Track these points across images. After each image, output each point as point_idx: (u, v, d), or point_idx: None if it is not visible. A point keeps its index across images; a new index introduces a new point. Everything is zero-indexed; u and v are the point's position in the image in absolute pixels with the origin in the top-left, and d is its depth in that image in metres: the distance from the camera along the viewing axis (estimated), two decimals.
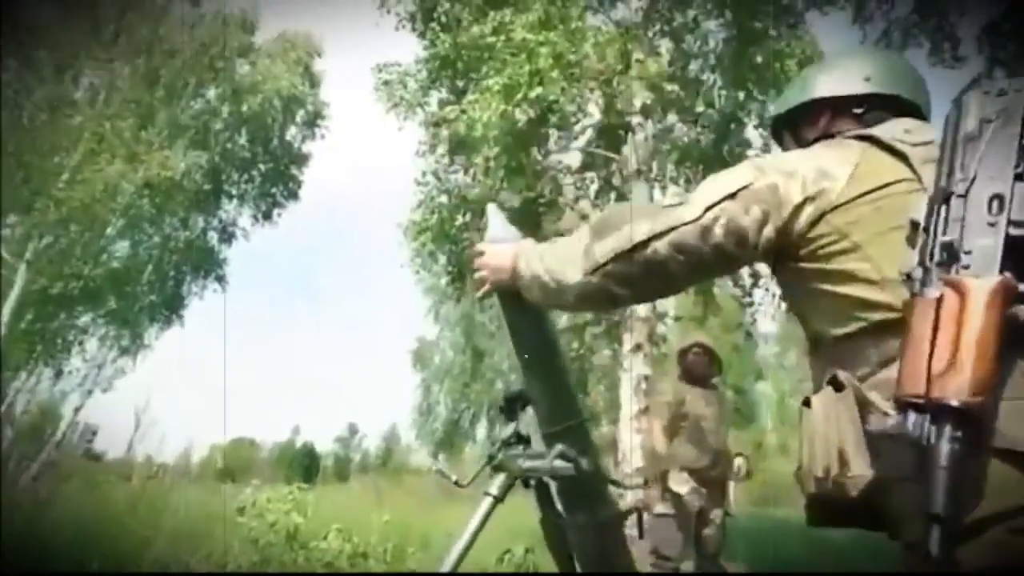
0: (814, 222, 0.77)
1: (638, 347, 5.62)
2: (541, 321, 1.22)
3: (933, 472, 0.56)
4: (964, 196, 0.68)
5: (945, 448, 0.56)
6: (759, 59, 6.34)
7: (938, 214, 0.68)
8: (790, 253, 0.80)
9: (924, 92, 0.93)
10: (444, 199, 7.05)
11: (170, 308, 11.73)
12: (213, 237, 12.49)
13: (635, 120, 6.30)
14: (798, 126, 0.97)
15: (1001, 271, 0.63)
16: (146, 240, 11.37)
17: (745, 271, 7.52)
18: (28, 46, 9.10)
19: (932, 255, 0.66)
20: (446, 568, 1.16)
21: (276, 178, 13.10)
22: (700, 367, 3.73)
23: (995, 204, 0.66)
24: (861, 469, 0.68)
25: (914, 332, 0.63)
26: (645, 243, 0.83)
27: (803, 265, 0.79)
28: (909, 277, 0.66)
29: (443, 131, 6.49)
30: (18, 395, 10.19)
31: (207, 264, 12.23)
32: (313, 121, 13.51)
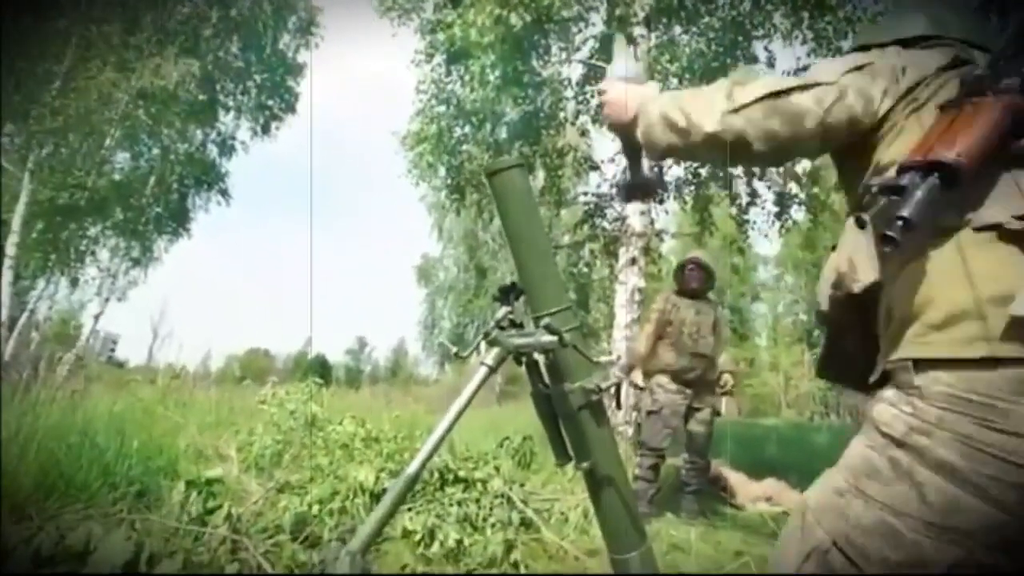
0: (903, 97, 0.87)
1: (633, 261, 5.78)
2: (531, 208, 1.36)
3: (911, 194, 0.70)
4: (1008, 59, 0.80)
5: (925, 185, 0.70)
6: None
7: (988, 70, 0.80)
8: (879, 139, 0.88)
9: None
10: (442, 108, 6.93)
11: (176, 220, 11.86)
12: (213, 150, 12.41)
13: (637, 31, 6.07)
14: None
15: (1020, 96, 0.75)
16: (146, 152, 11.31)
17: (743, 189, 7.54)
18: None
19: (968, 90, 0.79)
20: (446, 422, 1.36)
21: (272, 90, 12.79)
22: (694, 281, 3.95)
23: None
24: (866, 275, 0.81)
25: (934, 125, 0.77)
26: (789, 91, 0.88)
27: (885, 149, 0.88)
28: (942, 108, 0.80)
29: (440, 37, 6.28)
30: (39, 302, 10.59)
31: (209, 177, 12.22)
32: (306, 28, 12.98)
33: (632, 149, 1.18)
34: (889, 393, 0.78)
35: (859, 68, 0.89)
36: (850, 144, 0.91)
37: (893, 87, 0.87)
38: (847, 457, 0.80)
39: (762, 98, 0.89)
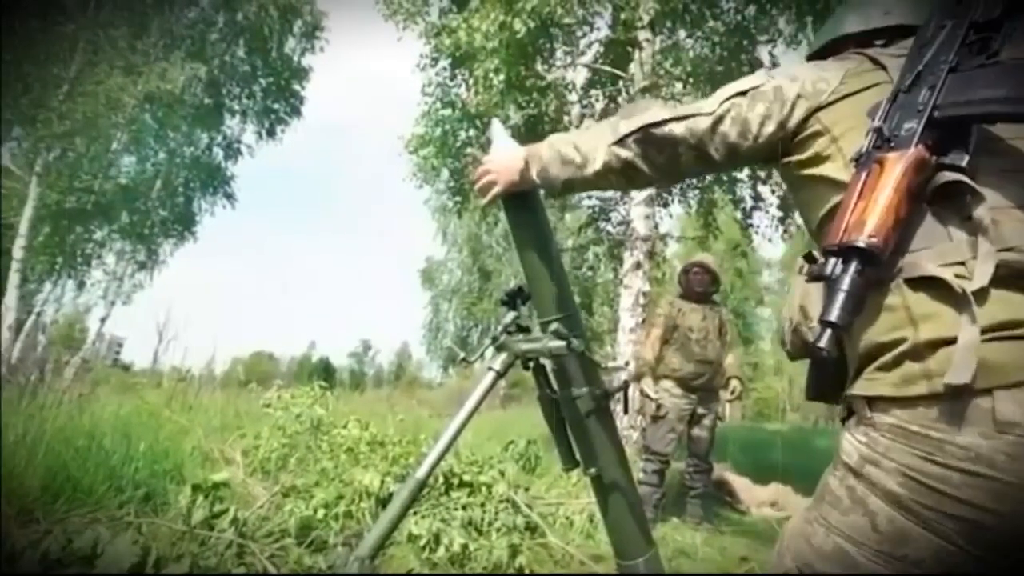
0: (807, 118, 0.89)
1: (638, 265, 5.78)
2: (541, 219, 1.37)
3: (835, 293, 0.72)
4: (907, 91, 0.80)
5: (847, 278, 0.72)
6: None
7: (888, 108, 0.81)
8: (785, 149, 0.92)
9: None
10: (447, 112, 6.95)
11: (182, 224, 11.91)
12: (219, 154, 12.47)
13: (642, 36, 6.08)
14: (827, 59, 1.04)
15: (922, 147, 0.75)
16: (152, 155, 11.38)
17: (747, 194, 7.54)
18: None
19: (873, 141, 0.79)
20: (453, 426, 1.36)
21: (277, 93, 12.85)
22: (699, 285, 3.93)
23: (927, 93, 0.78)
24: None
25: (845, 200, 0.77)
26: (664, 122, 0.96)
27: (793, 158, 0.92)
28: (856, 160, 0.80)
29: (445, 40, 6.31)
30: (46, 305, 10.66)
31: (214, 181, 12.28)
32: (312, 33, 13.04)
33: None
34: (851, 423, 0.81)
35: (743, 93, 0.93)
36: (783, 166, 0.95)
37: (777, 110, 0.90)
38: (819, 485, 0.83)
39: (640, 129, 0.98)
